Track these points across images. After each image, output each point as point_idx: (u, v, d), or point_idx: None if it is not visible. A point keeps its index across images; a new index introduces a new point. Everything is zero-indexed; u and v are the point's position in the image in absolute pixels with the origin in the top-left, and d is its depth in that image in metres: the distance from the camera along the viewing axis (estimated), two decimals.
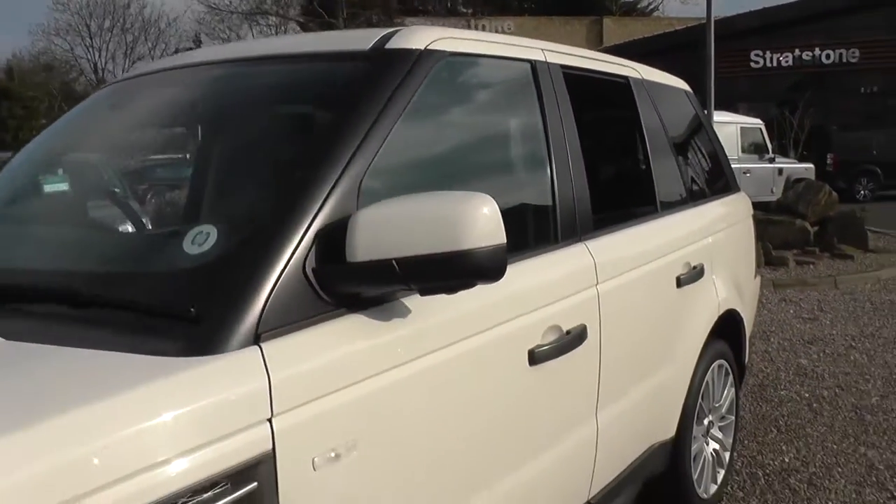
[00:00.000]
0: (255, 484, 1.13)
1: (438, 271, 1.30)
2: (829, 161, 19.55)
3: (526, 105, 2.03)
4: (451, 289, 1.36)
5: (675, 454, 2.61)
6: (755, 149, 14.14)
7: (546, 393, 1.83)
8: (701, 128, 3.46)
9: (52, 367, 1.13)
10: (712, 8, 13.37)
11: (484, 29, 36.33)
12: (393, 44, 1.65)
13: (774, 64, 26.53)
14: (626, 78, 2.67)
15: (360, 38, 1.71)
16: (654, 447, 2.50)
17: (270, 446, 1.15)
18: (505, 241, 1.34)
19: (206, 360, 1.14)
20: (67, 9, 42.75)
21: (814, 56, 26.11)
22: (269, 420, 1.16)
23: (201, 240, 1.30)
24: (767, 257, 8.64)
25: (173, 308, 1.21)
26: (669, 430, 2.57)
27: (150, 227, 1.90)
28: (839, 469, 3.41)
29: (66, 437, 0.98)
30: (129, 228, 1.83)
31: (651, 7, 45.47)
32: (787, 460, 3.51)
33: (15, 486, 0.92)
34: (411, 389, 1.42)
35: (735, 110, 18.23)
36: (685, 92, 3.35)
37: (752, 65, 26.54)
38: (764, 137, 14.43)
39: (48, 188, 7.60)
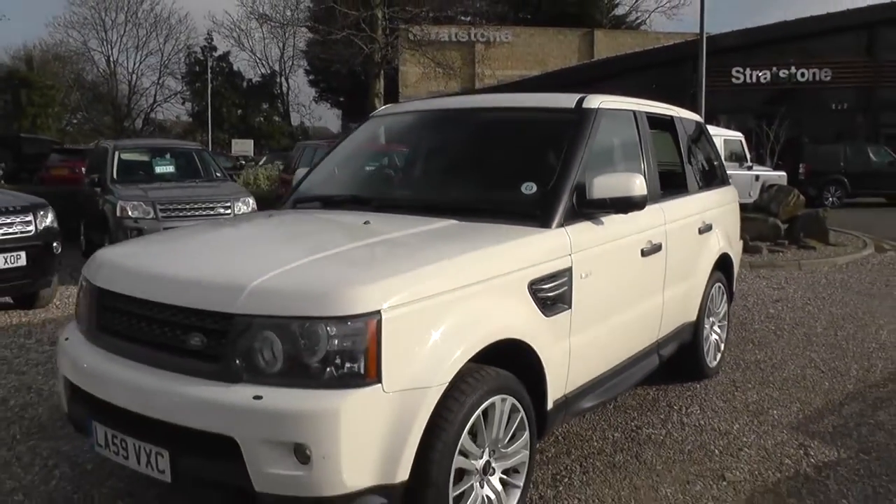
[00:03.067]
0: (566, 278, 3.05)
1: (621, 204, 3.24)
2: (801, 170, 21.35)
3: (631, 132, 3.97)
4: (625, 211, 3.30)
5: (696, 331, 4.58)
6: (735, 157, 16.10)
7: (646, 272, 3.79)
8: (708, 143, 5.42)
9: (493, 229, 3.04)
10: (702, 29, 15.40)
11: (483, 37, 38.07)
12: (585, 104, 3.59)
13: (753, 80, 28.53)
14: (671, 116, 4.64)
15: (568, 100, 3.64)
16: (685, 324, 4.46)
17: (570, 265, 3.08)
18: (646, 193, 3.28)
19: (546, 230, 3.07)
20: (85, 3, 44.35)
21: (790, 74, 28.15)
22: (570, 255, 3.08)
23: (529, 188, 3.24)
24: (745, 246, 10.55)
25: (530, 213, 3.14)
26: (693, 315, 4.53)
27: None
28: (791, 361, 5.38)
29: (507, 253, 2.88)
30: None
31: (638, 21, 47.85)
32: (758, 357, 5.48)
33: (489, 271, 2.74)
34: (605, 255, 3.35)
35: (716, 122, 20.18)
36: (698, 122, 5.31)
37: (734, 80, 28.52)
38: (743, 148, 16.40)
39: (159, 169, 9.70)
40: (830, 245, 11.42)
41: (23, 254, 6.66)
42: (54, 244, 7.10)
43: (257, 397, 2.28)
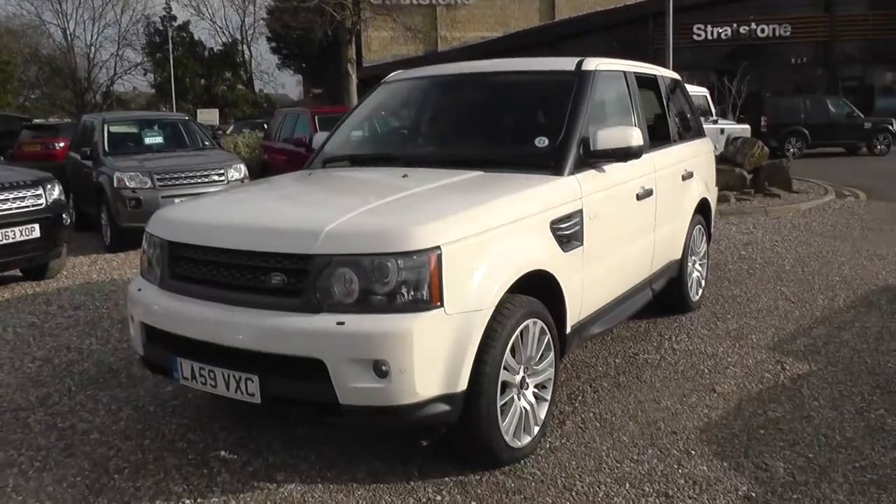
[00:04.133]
0: (578, 219, 3.52)
1: (622, 154, 3.71)
2: (763, 123, 22.08)
3: (623, 90, 4.43)
4: (625, 160, 3.77)
5: (681, 267, 5.11)
6: (701, 112, 16.69)
7: (640, 214, 4.29)
8: (685, 99, 5.90)
9: (516, 178, 3.49)
10: None
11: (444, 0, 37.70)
12: (584, 66, 4.02)
13: (715, 37, 29.14)
14: (655, 76, 5.10)
15: (568, 63, 4.07)
16: (672, 261, 4.98)
17: (581, 207, 3.54)
18: (643, 143, 3.75)
19: (560, 177, 3.52)
20: None
21: (750, 30, 28.81)
22: (580, 199, 3.55)
23: (542, 142, 3.68)
24: None
25: (545, 163, 3.59)
26: (678, 254, 5.05)
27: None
28: (764, 295, 5.97)
29: (531, 198, 3.34)
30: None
31: None
32: (734, 293, 6.06)
33: (519, 213, 3.21)
34: (608, 199, 3.82)
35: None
36: (676, 79, 5.78)
37: (695, 37, 29.11)
38: (708, 103, 17.00)
39: (148, 140, 10.05)
40: (794, 192, 12.09)
41: (36, 226, 6.94)
42: (63, 215, 7.38)
43: (340, 323, 2.71)
